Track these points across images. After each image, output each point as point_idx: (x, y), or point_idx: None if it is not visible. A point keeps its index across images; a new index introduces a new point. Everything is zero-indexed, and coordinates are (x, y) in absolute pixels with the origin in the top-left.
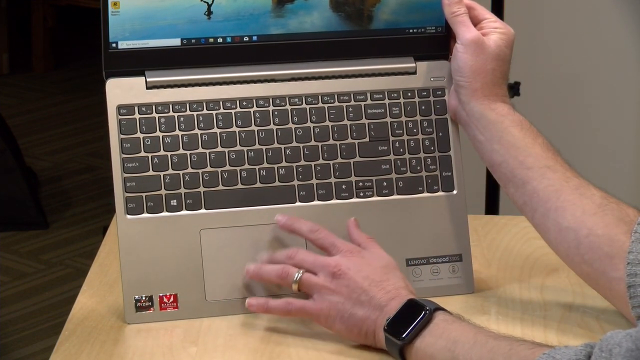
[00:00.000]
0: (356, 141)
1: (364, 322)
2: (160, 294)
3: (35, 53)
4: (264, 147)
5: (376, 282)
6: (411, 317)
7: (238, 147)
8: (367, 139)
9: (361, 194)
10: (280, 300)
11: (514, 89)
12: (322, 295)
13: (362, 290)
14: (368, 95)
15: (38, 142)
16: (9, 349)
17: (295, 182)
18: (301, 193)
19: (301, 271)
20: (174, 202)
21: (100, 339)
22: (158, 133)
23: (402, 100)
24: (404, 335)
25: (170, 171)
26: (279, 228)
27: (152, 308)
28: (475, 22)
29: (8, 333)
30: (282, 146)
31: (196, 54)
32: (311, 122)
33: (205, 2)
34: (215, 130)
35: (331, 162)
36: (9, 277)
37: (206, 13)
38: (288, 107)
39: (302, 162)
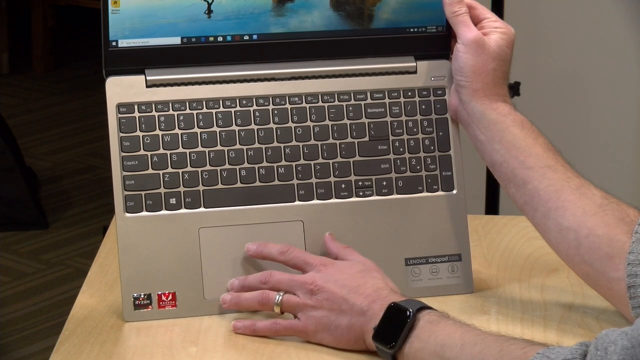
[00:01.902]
0: (356, 140)
1: (350, 330)
2: (159, 292)
3: (35, 53)
4: (263, 146)
5: (354, 288)
6: (395, 323)
7: (237, 146)
8: (367, 138)
9: (360, 193)
10: (267, 322)
11: (514, 89)
12: (306, 313)
13: (342, 299)
14: (368, 94)
15: (38, 142)
16: (9, 349)
17: (295, 181)
18: (300, 192)
19: (281, 293)
20: (173, 201)
21: (100, 339)
22: (158, 131)
23: (402, 99)
24: (393, 344)
25: (170, 170)
26: (250, 256)
27: (150, 306)
28: (476, 21)
29: (8, 333)
30: (282, 145)
31: (196, 53)
32: (311, 121)
33: (205, 0)
34: (215, 129)
35: (331, 161)
36: (9, 277)
37: (206, 12)
38: (288, 106)
39: (302, 161)
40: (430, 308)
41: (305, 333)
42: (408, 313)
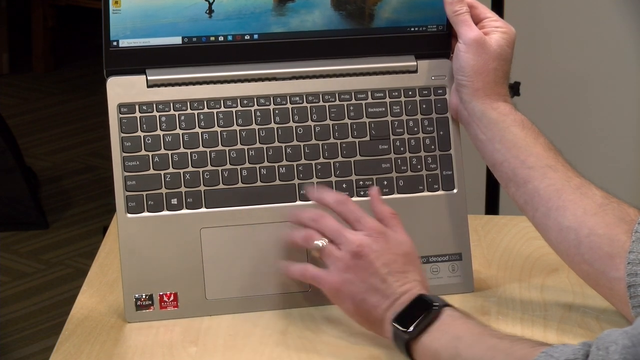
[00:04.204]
0: (357, 140)
1: (375, 309)
2: (161, 293)
3: (35, 53)
4: (264, 146)
5: (395, 272)
6: (419, 312)
7: (239, 146)
8: (367, 138)
9: (362, 193)
10: (299, 265)
11: (514, 89)
12: (338, 270)
13: (380, 277)
14: (369, 93)
15: (38, 142)
16: (9, 349)
17: (296, 181)
18: (301, 192)
19: (325, 241)
20: (174, 201)
21: (101, 339)
22: (159, 132)
23: (403, 98)
24: (410, 329)
25: (171, 170)
26: (311, 198)
27: (152, 307)
28: (477, 20)
29: (8, 333)
30: (283, 145)
31: (197, 53)
32: (312, 120)
33: (206, 0)
34: (216, 128)
35: (332, 161)
36: (9, 277)
37: (207, 11)
38: (289, 105)
39: (303, 161)
40: (455, 307)
41: (329, 289)
42: (434, 306)
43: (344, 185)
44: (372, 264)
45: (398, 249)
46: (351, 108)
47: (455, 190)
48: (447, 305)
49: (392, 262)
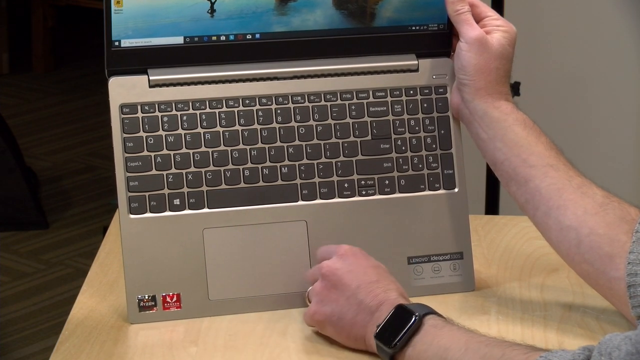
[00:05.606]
0: (358, 139)
1: (353, 326)
2: (164, 294)
3: (35, 53)
4: (266, 146)
5: (365, 283)
6: (401, 323)
7: (241, 146)
8: (369, 137)
9: (363, 192)
10: None
11: (514, 89)
12: (315, 300)
13: (351, 292)
14: (370, 93)
15: (38, 142)
16: (9, 349)
17: (298, 181)
18: (304, 192)
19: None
20: (176, 202)
21: (101, 339)
22: (161, 132)
23: (404, 97)
24: (394, 343)
25: (173, 170)
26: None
27: (155, 308)
28: (478, 19)
29: (8, 333)
30: (285, 145)
31: (199, 52)
32: (314, 120)
33: (208, 0)
34: (218, 128)
35: (333, 161)
36: (9, 277)
37: (209, 11)
38: (291, 105)
39: (305, 161)
40: (436, 313)
41: (308, 321)
42: (414, 316)
43: (345, 185)
44: (341, 281)
45: (367, 262)
46: (353, 107)
47: (456, 189)
48: (428, 313)
49: (361, 274)
